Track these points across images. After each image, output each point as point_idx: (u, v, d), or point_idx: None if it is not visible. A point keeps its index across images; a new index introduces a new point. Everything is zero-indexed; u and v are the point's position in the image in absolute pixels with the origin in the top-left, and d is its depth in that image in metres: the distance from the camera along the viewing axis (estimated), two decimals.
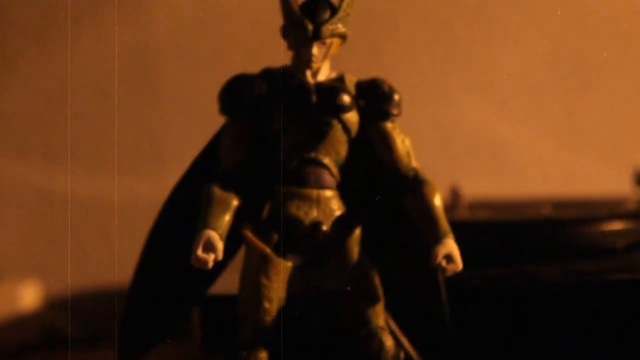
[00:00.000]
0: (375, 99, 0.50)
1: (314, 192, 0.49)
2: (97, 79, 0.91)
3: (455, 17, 0.93)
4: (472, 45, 0.93)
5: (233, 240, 0.49)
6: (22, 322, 0.87)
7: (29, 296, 0.89)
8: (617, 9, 0.94)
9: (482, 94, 0.93)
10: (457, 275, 0.50)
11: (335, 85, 0.50)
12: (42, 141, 0.91)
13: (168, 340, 0.52)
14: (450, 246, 0.48)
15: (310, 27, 0.49)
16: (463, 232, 0.57)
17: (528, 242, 0.63)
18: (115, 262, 0.88)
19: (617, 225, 0.64)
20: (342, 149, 0.50)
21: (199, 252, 0.47)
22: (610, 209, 0.69)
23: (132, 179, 0.92)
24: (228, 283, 0.51)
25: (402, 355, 0.50)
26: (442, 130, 0.92)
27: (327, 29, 0.49)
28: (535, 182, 0.91)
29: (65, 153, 0.91)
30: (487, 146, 0.93)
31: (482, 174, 0.92)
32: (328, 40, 0.49)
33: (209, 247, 0.47)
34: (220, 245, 0.47)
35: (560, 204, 0.77)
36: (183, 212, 0.50)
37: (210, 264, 0.47)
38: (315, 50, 0.49)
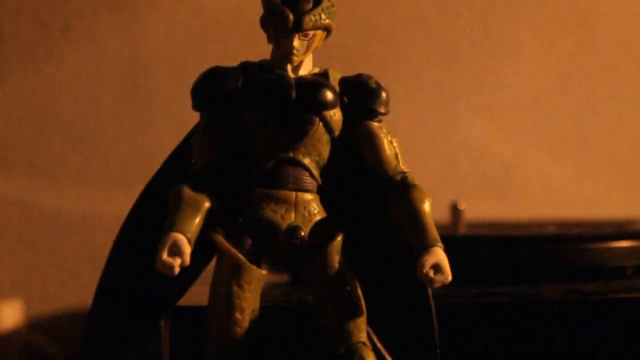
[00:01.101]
0: (361, 96, 0.47)
1: (292, 195, 0.46)
2: (87, 91, 0.88)
3: (462, 35, 0.90)
4: (479, 64, 0.90)
5: (206, 246, 0.46)
6: (2, 342, 0.83)
7: (9, 316, 0.86)
8: (629, 30, 0.92)
9: (487, 114, 0.90)
10: (450, 291, 0.46)
11: (318, 80, 0.46)
12: (28, 154, 0.88)
13: (134, 356, 0.48)
14: (438, 255, 0.45)
15: (291, 17, 0.46)
16: (461, 247, 0.54)
17: (529, 259, 0.59)
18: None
19: (624, 244, 0.60)
20: (324, 149, 0.46)
21: (164, 256, 0.44)
22: (617, 228, 0.66)
23: (121, 195, 0.89)
24: (200, 294, 0.48)
25: None
26: (446, 149, 0.89)
27: (309, 19, 0.46)
28: (541, 205, 0.88)
29: (52, 167, 0.88)
30: (492, 167, 0.90)
31: (485, 194, 0.89)
32: (310, 33, 0.46)
33: (175, 251, 0.44)
34: (187, 249, 0.44)
35: (566, 225, 0.73)
36: (152, 216, 0.47)
37: (177, 270, 0.44)
38: (296, 42, 0.46)
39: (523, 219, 0.81)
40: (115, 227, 0.92)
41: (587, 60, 0.91)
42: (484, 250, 0.59)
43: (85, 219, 0.88)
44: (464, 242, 0.59)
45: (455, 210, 0.72)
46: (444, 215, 0.72)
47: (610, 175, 0.91)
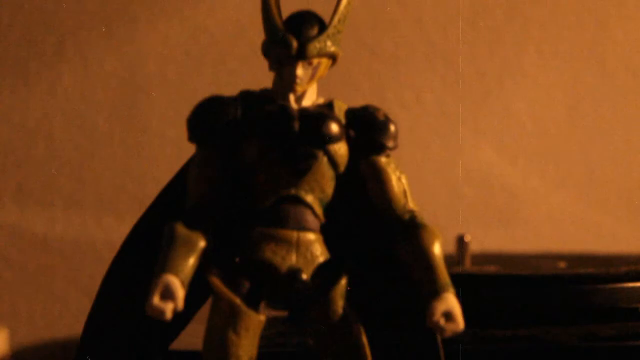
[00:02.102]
0: (368, 129, 0.44)
1: (294, 235, 0.43)
2: (80, 113, 0.86)
3: (467, 59, 0.88)
4: (484, 89, 0.88)
5: (200, 287, 0.43)
6: None
7: None
8: (639, 55, 0.89)
9: (493, 140, 0.88)
10: (458, 336, 0.43)
11: (322, 112, 0.44)
12: (17, 177, 0.85)
13: None
14: (450, 302, 0.42)
15: (294, 44, 0.43)
16: (468, 286, 0.51)
17: (540, 299, 0.56)
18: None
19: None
20: (328, 186, 0.44)
21: (155, 300, 0.41)
22: (633, 266, 0.63)
23: (113, 221, 0.86)
24: (194, 336, 0.45)
25: None
26: (450, 176, 0.87)
27: (314, 46, 0.43)
28: (549, 237, 0.86)
29: (42, 191, 0.85)
30: (498, 197, 0.88)
31: (491, 225, 0.87)
32: (315, 60, 0.43)
33: (168, 294, 0.41)
34: (180, 293, 0.41)
35: (576, 260, 0.70)
36: (144, 254, 0.44)
37: (169, 315, 0.41)
38: (299, 70, 0.43)
39: (530, 251, 0.79)
40: (107, 254, 0.90)
41: (596, 85, 0.89)
42: (493, 289, 0.56)
43: (75, 245, 0.86)
44: (471, 281, 0.57)
45: (461, 243, 0.70)
46: (449, 248, 0.69)
47: (620, 205, 0.88)
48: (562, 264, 0.68)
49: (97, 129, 0.86)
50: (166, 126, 0.86)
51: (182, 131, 0.84)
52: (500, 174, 0.88)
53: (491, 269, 0.67)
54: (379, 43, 0.87)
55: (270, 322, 0.51)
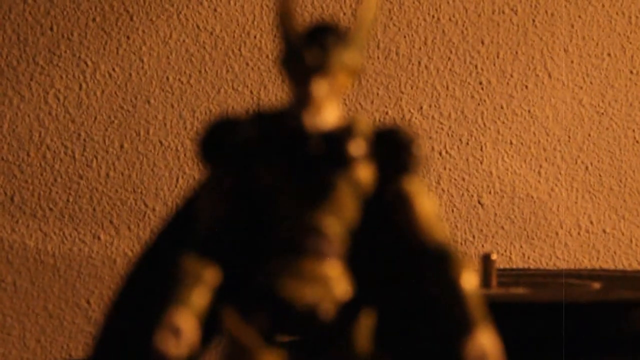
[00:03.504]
0: (394, 151, 0.42)
1: (314, 266, 0.41)
2: (75, 120, 0.84)
3: (489, 61, 0.87)
4: (507, 93, 0.87)
5: (209, 323, 0.41)
6: None
7: None
8: None
9: (517, 149, 0.87)
10: None
11: (344, 132, 0.42)
12: (9, 188, 0.84)
13: None
14: (483, 342, 0.40)
15: (315, 57, 0.41)
16: (495, 312, 0.49)
17: (577, 327, 0.55)
18: (89, 332, 0.82)
19: None
20: (350, 213, 0.42)
21: (160, 340, 0.39)
22: None
23: (110, 235, 0.85)
24: None
25: None
26: (471, 186, 0.86)
27: (334, 60, 0.41)
28: (578, 251, 0.84)
29: (35, 203, 0.84)
30: (522, 208, 0.86)
31: (515, 239, 0.85)
32: (337, 75, 0.42)
33: (175, 331, 0.39)
34: (189, 328, 0.39)
35: (610, 279, 0.69)
36: (150, 287, 0.42)
37: (174, 351, 0.39)
38: (319, 86, 0.41)
39: (559, 268, 0.78)
40: (103, 270, 0.89)
41: (626, 89, 0.88)
42: (523, 319, 0.55)
43: (70, 260, 0.85)
44: (502, 311, 0.55)
45: (487, 261, 0.68)
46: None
47: None
48: (596, 285, 0.67)
49: (93, 138, 0.85)
50: (166, 134, 0.85)
51: (184, 139, 0.82)
52: (525, 184, 0.87)
53: (519, 291, 0.65)
54: (394, 44, 0.86)
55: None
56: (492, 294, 0.64)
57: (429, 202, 0.43)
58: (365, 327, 0.41)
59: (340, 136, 0.42)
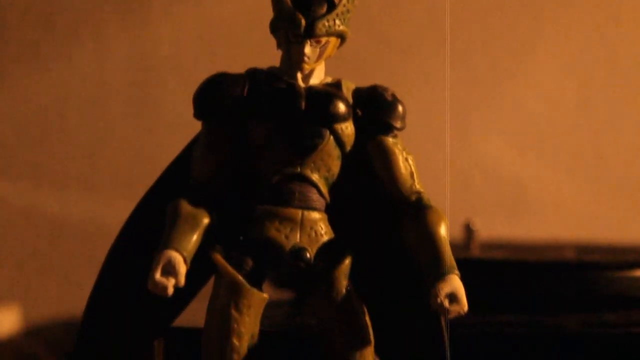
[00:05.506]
0: (376, 109, 0.43)
1: (298, 213, 0.42)
2: (94, 95, 0.85)
3: (478, 50, 0.87)
4: (495, 79, 0.87)
5: (203, 265, 0.41)
6: None
7: (6, 321, 0.82)
8: None
9: (503, 131, 0.87)
10: (464, 320, 0.42)
11: (330, 91, 0.42)
12: (32, 159, 0.85)
13: None
14: (454, 284, 0.41)
15: (303, 22, 0.42)
16: (475, 272, 0.49)
17: (548, 287, 0.55)
18: None
19: None
20: (334, 165, 0.42)
21: (157, 275, 0.40)
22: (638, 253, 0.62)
23: (126, 203, 0.85)
24: (197, 314, 0.44)
25: None
26: (459, 166, 0.86)
27: (322, 25, 0.42)
28: (557, 226, 0.85)
29: (56, 172, 0.84)
30: (507, 186, 0.86)
31: (499, 214, 0.85)
32: (323, 39, 0.42)
33: (170, 270, 0.40)
34: (182, 268, 0.40)
35: (585, 249, 0.69)
36: (148, 230, 0.43)
37: (170, 290, 0.40)
38: (307, 49, 0.42)
39: (538, 240, 0.78)
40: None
41: (606, 77, 0.88)
42: (500, 275, 0.55)
43: (88, 226, 0.85)
44: (478, 266, 0.55)
45: (468, 231, 0.68)
46: (456, 235, 0.68)
47: (629, 195, 0.87)
48: (570, 253, 0.67)
49: (111, 113, 0.85)
50: (179, 110, 0.85)
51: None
52: (510, 164, 0.87)
53: (499, 256, 0.65)
54: (389, 32, 0.86)
55: (274, 304, 0.50)
56: (472, 257, 0.64)
57: (407, 157, 0.43)
58: (344, 269, 0.42)
59: (325, 94, 0.42)
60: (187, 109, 0.88)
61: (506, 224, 0.85)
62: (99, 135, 0.85)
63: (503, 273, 0.56)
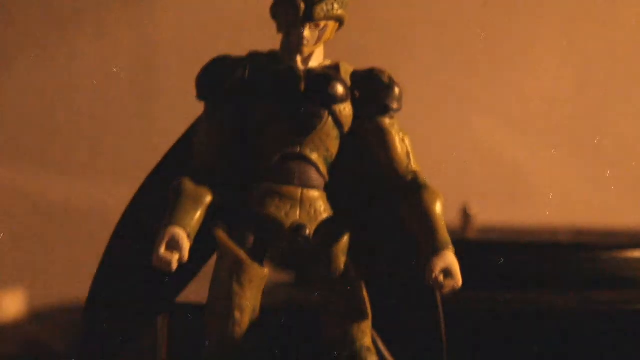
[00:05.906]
0: (373, 91, 0.44)
1: (298, 191, 0.43)
2: (98, 83, 0.86)
3: (477, 36, 0.88)
4: (493, 65, 0.88)
5: (207, 241, 0.43)
6: (3, 334, 0.81)
7: (12, 306, 0.83)
8: None
9: (501, 116, 0.88)
10: (460, 298, 0.43)
11: (328, 73, 0.44)
12: (36, 145, 0.86)
13: (131, 352, 0.45)
14: (449, 259, 0.42)
15: (302, 6, 0.43)
16: (471, 252, 0.51)
17: (542, 267, 0.56)
18: None
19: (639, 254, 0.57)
20: (332, 145, 0.44)
21: (161, 251, 0.41)
22: (633, 237, 0.63)
23: (129, 189, 0.86)
24: (200, 290, 0.45)
25: None
26: (457, 151, 0.87)
27: (321, 9, 0.43)
28: (553, 210, 0.86)
29: (61, 159, 0.86)
30: (504, 171, 0.87)
31: (496, 198, 0.87)
32: (322, 23, 0.43)
33: (174, 245, 0.41)
34: (186, 244, 0.41)
35: (580, 233, 0.70)
36: (152, 208, 0.44)
37: (174, 265, 0.41)
38: (307, 32, 0.43)
39: (535, 224, 0.79)
40: None
41: (604, 62, 0.89)
42: (495, 256, 0.56)
43: (92, 212, 0.86)
44: (474, 247, 0.56)
45: (465, 215, 0.69)
46: (454, 219, 0.69)
47: (626, 181, 0.88)
48: (566, 238, 0.68)
49: (113, 98, 0.86)
50: (182, 97, 0.86)
51: (196, 103, 0.84)
52: (507, 149, 0.88)
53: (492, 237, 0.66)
54: (389, 18, 0.87)
55: (277, 285, 0.52)
56: (470, 239, 0.65)
57: (404, 137, 0.44)
58: (343, 246, 0.43)
59: (324, 76, 0.44)
60: (190, 94, 0.89)
61: (503, 209, 0.86)
62: (102, 121, 0.86)
63: (499, 254, 0.57)
